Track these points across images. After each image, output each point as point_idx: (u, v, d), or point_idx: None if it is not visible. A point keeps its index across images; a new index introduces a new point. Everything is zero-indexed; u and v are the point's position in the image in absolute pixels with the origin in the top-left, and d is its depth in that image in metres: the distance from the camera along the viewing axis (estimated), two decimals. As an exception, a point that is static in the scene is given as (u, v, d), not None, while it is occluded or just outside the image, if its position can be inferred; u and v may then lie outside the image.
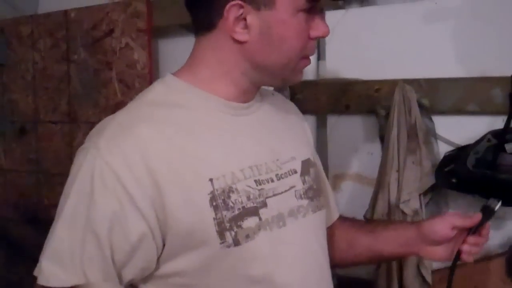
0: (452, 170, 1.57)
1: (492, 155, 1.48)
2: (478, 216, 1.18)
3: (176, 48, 2.18)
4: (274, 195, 1.08)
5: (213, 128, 1.06)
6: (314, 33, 1.07)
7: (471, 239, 1.19)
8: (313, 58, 1.85)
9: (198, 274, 1.01)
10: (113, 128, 1.01)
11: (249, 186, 1.04)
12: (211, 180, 1.00)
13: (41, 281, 0.97)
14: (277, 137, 1.16)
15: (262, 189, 1.06)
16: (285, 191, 1.11)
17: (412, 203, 1.65)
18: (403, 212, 1.64)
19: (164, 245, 0.99)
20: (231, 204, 1.00)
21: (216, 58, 1.08)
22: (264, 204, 1.05)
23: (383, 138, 1.74)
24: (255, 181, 1.06)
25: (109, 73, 2.27)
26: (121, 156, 0.96)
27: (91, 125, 2.31)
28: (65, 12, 2.38)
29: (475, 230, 1.19)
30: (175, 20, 2.09)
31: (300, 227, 1.12)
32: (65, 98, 2.44)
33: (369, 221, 1.46)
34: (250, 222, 1.02)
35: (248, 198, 1.03)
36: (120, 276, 0.99)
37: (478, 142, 1.55)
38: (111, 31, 2.25)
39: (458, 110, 1.67)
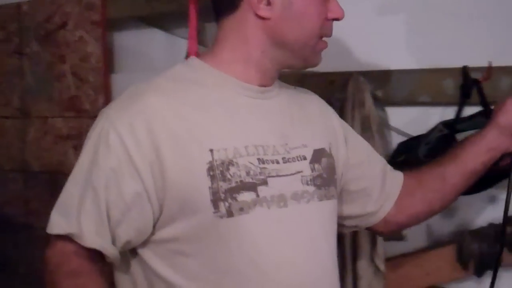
0: (404, 160, 1.59)
1: (443, 145, 1.50)
2: None
3: (132, 41, 2.17)
4: (278, 176, 1.11)
5: (223, 105, 1.12)
6: (331, 14, 1.15)
7: None
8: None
9: (192, 241, 1.05)
10: (127, 95, 1.11)
11: (251, 163, 1.08)
12: (211, 150, 1.04)
13: (48, 229, 1.05)
14: (291, 124, 1.20)
15: (264, 168, 1.09)
16: (291, 174, 1.13)
17: (366, 193, 1.66)
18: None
19: (161, 210, 1.05)
20: (228, 176, 1.04)
21: (239, 38, 1.14)
22: (264, 182, 1.08)
23: (337, 130, 1.76)
24: (258, 159, 1.09)
25: (62, 67, 2.25)
26: (127, 119, 1.04)
27: (44, 120, 2.30)
28: (18, 5, 2.35)
29: None
30: (130, 12, 2.08)
31: (302, 212, 1.14)
32: (17, 92, 2.40)
33: (442, 156, 1.39)
34: (246, 196, 1.05)
35: (248, 174, 1.06)
36: (115, 235, 1.04)
37: (429, 132, 1.57)
38: (65, 23, 2.22)
39: (410, 101, 1.70)
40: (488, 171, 1.39)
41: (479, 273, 1.62)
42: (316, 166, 1.19)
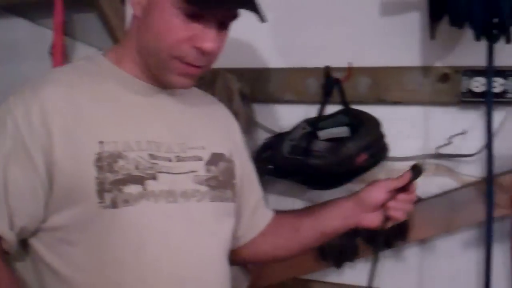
0: (269, 157, 1.63)
1: (305, 142, 1.55)
2: (407, 175, 1.26)
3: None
4: (168, 173, 1.11)
5: (118, 101, 1.13)
6: (195, 42, 1.08)
7: (401, 196, 1.27)
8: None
9: (77, 230, 1.05)
10: (26, 87, 1.10)
11: (141, 157, 1.08)
12: (101, 142, 1.05)
13: None
14: (191, 125, 1.21)
15: (155, 163, 1.10)
16: (183, 172, 1.14)
17: (232, 188, 1.69)
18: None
19: (51, 196, 1.05)
20: (116, 168, 1.05)
21: (129, 35, 1.17)
22: (153, 177, 1.08)
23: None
24: (150, 155, 1.10)
25: None
26: (24, 106, 1.05)
27: None
28: None
29: (403, 188, 1.26)
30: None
31: (191, 209, 1.14)
32: None
33: (307, 207, 1.52)
34: (132, 189, 1.05)
35: (137, 168, 1.07)
36: (11, 221, 1.04)
37: (293, 129, 1.62)
38: None
39: (276, 99, 1.74)
40: (346, 168, 1.46)
41: (338, 264, 1.70)
42: (212, 168, 1.20)
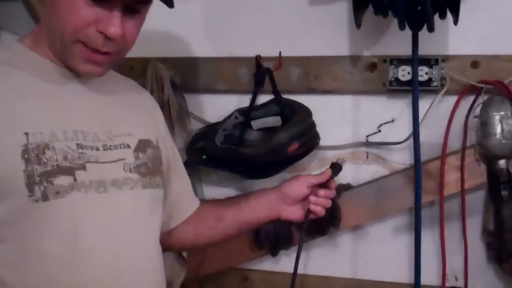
0: (202, 147, 1.62)
1: (238, 132, 1.55)
2: (328, 172, 1.31)
3: None
4: (97, 162, 1.08)
5: (41, 89, 1.08)
6: (99, 26, 1.04)
7: (321, 192, 1.30)
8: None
9: (8, 226, 1.00)
10: None
11: (69, 147, 1.05)
12: (26, 134, 1.01)
13: None
14: (116, 112, 1.19)
15: (83, 153, 1.06)
16: (112, 161, 1.12)
17: (166, 179, 1.67)
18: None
19: None
20: (44, 159, 1.01)
21: (40, 18, 1.15)
22: (83, 167, 1.05)
23: (138, 116, 1.75)
24: (77, 144, 1.06)
25: None
26: None
27: None
28: None
29: (324, 184, 1.31)
30: None
31: (124, 198, 1.12)
32: None
33: (231, 197, 1.52)
34: (62, 180, 1.02)
35: (65, 158, 1.03)
36: None
37: (226, 119, 1.61)
38: None
39: (208, 89, 1.73)
40: (278, 157, 1.47)
41: (273, 252, 1.71)
42: (141, 155, 1.19)
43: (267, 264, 1.78)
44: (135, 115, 1.24)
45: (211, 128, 1.65)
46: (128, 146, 1.17)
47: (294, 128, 1.48)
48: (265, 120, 1.62)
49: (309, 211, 1.32)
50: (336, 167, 1.32)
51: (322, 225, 1.62)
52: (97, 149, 1.10)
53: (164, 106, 1.68)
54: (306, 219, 1.32)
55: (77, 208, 1.04)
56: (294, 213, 1.35)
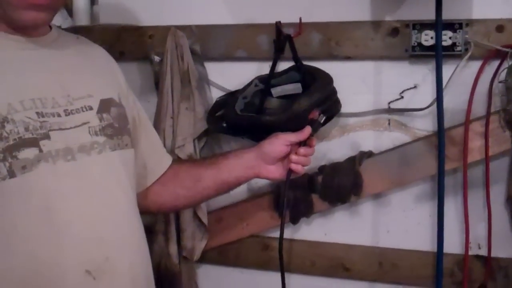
0: (223, 115, 1.61)
1: (259, 99, 1.53)
2: (308, 130, 1.32)
3: None
4: (60, 129, 1.05)
5: None
6: None
7: (301, 150, 1.31)
8: (86, 3, 1.80)
9: None
10: None
11: (29, 118, 1.01)
12: None
13: None
14: (73, 74, 1.15)
15: (45, 121, 1.03)
16: (76, 126, 1.08)
17: (186, 148, 1.68)
18: (178, 157, 1.66)
19: None
20: (5, 134, 0.97)
21: None
22: (47, 136, 1.02)
23: (158, 85, 1.74)
24: (37, 113, 1.02)
25: None
26: None
27: None
28: None
29: (304, 142, 1.32)
30: None
31: (93, 164, 1.10)
32: None
33: (209, 156, 1.53)
34: (27, 153, 0.99)
35: (27, 129, 0.99)
36: None
37: (246, 87, 1.60)
38: None
39: (228, 56, 1.71)
40: (299, 124, 1.46)
41: (294, 220, 1.71)
42: (105, 116, 1.16)
43: (287, 232, 1.78)
44: (93, 75, 1.21)
45: (231, 96, 1.64)
46: (90, 108, 1.14)
47: (314, 95, 1.46)
48: (285, 87, 1.60)
49: (290, 171, 1.32)
50: (315, 124, 1.32)
51: (343, 193, 1.61)
52: (59, 115, 1.07)
53: (184, 75, 1.67)
54: (288, 179, 1.32)
55: (47, 180, 1.01)
56: (274, 172, 1.36)
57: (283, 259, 1.35)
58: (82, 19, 1.82)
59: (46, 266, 1.00)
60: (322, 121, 1.33)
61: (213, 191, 1.39)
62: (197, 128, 1.70)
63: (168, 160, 1.41)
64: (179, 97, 1.68)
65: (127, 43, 1.77)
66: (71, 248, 1.02)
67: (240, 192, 1.77)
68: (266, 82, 1.56)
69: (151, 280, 1.23)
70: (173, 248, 1.75)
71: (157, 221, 1.76)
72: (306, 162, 1.33)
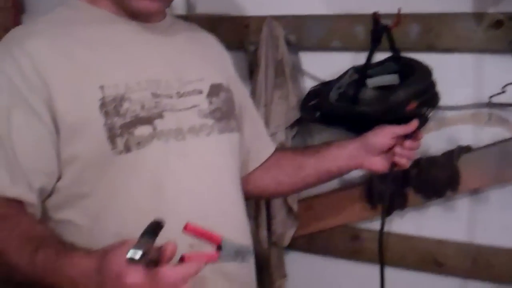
0: (316, 104, 1.61)
1: (354, 90, 1.52)
2: (414, 123, 1.29)
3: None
4: (173, 110, 1.10)
5: (110, 42, 1.10)
6: None
7: (407, 143, 1.30)
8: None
9: (91, 181, 1.03)
10: (8, 40, 1.06)
11: (144, 97, 1.07)
12: (101, 87, 1.03)
13: None
14: (185, 59, 1.20)
15: (159, 102, 1.08)
16: (186, 108, 1.13)
17: (279, 136, 1.69)
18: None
19: (61, 151, 1.02)
20: (122, 111, 1.03)
21: None
22: (160, 116, 1.07)
23: (252, 74, 1.75)
24: (152, 94, 1.08)
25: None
26: (13, 62, 1.00)
27: None
28: None
29: (410, 135, 1.30)
30: None
31: (202, 145, 1.14)
32: None
33: (312, 145, 1.54)
34: (142, 131, 1.04)
35: (142, 108, 1.05)
36: (29, 182, 1.00)
37: (341, 77, 1.58)
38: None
39: (322, 46, 1.70)
40: (395, 116, 1.43)
41: (387, 213, 1.69)
42: (214, 99, 1.19)
43: (379, 224, 1.76)
44: (204, 60, 1.25)
45: (325, 86, 1.62)
46: (201, 92, 1.18)
47: (413, 87, 1.43)
48: (382, 78, 1.57)
49: (394, 163, 1.30)
50: (422, 118, 1.29)
51: (439, 187, 1.58)
52: (171, 97, 1.12)
53: (278, 64, 1.68)
54: (391, 171, 1.30)
55: (158, 157, 1.06)
56: (377, 164, 1.34)
57: (383, 253, 1.34)
58: (179, 8, 1.85)
59: None
60: (429, 115, 1.30)
61: (315, 180, 1.40)
62: (290, 117, 1.70)
63: (271, 146, 1.43)
64: (273, 86, 1.69)
65: (223, 32, 1.77)
66: (177, 223, 1.04)
67: (331, 182, 1.76)
68: (362, 72, 1.54)
69: (251, 262, 1.26)
70: (263, 234, 1.78)
71: (248, 207, 1.78)
72: (410, 156, 1.31)
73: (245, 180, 1.36)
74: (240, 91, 1.37)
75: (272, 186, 1.42)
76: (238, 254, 0.97)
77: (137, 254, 0.78)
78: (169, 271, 0.81)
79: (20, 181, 0.99)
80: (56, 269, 0.85)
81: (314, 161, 1.37)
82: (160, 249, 0.84)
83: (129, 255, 0.78)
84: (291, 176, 1.40)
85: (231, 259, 0.96)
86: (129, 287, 0.79)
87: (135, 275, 0.79)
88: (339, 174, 1.42)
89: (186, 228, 0.93)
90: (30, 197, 1.01)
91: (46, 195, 1.05)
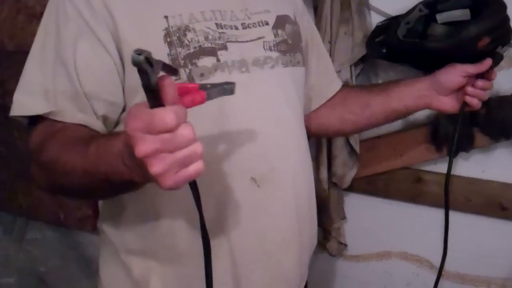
0: (383, 40, 1.56)
1: (422, 25, 1.47)
2: (488, 62, 1.25)
3: None
4: (237, 41, 1.08)
5: None
6: None
7: (479, 83, 1.26)
8: None
9: None
10: None
11: (209, 28, 1.05)
12: (166, 17, 1.01)
13: (13, 112, 1.01)
14: None
15: (223, 33, 1.07)
16: (251, 40, 1.11)
17: (343, 74, 1.65)
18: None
19: (125, 80, 1.02)
20: (186, 42, 1.02)
21: None
22: (224, 47, 1.06)
23: (316, 9, 1.71)
24: (216, 24, 1.07)
25: None
26: None
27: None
28: None
29: (482, 75, 1.25)
30: None
31: (265, 78, 1.12)
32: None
33: (379, 83, 1.49)
34: (206, 62, 1.03)
35: (206, 39, 1.04)
36: (93, 109, 1.01)
37: (409, 12, 1.53)
38: None
39: (391, -20, 1.64)
40: (466, 52, 1.38)
41: (452, 154, 1.64)
42: (280, 32, 1.16)
43: (443, 166, 1.72)
44: None
45: (393, 21, 1.57)
46: (267, 23, 1.15)
47: (485, 22, 1.36)
48: (452, 13, 1.50)
49: (464, 103, 1.26)
50: (497, 56, 1.23)
51: (509, 128, 1.52)
52: (236, 28, 1.09)
53: (345, -2, 1.63)
54: (461, 112, 1.26)
55: None
56: (447, 103, 1.30)
57: (448, 196, 1.30)
58: None
59: (215, 169, 1.05)
60: (504, 53, 1.23)
61: (381, 119, 1.37)
62: (355, 53, 1.66)
63: (338, 83, 1.41)
64: (338, 21, 1.65)
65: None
66: (239, 156, 1.05)
67: (394, 122, 1.73)
68: (432, 7, 1.48)
69: (312, 196, 1.26)
70: (323, 174, 1.77)
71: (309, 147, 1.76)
72: (483, 96, 1.27)
73: (308, 117, 1.35)
74: (308, 25, 1.34)
75: (337, 124, 1.40)
76: (224, 87, 0.86)
77: (140, 52, 0.67)
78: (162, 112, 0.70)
79: (86, 108, 1.01)
80: (106, 151, 0.82)
81: (381, 100, 1.34)
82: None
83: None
84: (357, 115, 1.37)
85: (219, 94, 0.85)
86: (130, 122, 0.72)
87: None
88: (407, 113, 1.38)
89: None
90: (95, 123, 1.02)
91: (112, 124, 1.06)
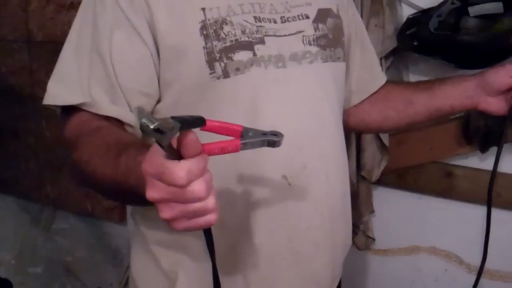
0: (414, 33, 1.55)
1: (454, 18, 1.45)
2: None
3: None
4: (275, 35, 1.06)
5: None
6: None
7: None
8: None
9: (189, 106, 1.01)
10: None
11: (246, 21, 1.03)
12: (203, 9, 1.00)
13: (46, 101, 1.00)
14: None
15: (261, 26, 1.04)
16: (290, 34, 1.08)
17: (373, 67, 1.64)
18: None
19: (160, 72, 1.01)
20: (223, 35, 1.00)
21: None
22: (261, 41, 1.03)
23: (347, 1, 1.71)
24: (255, 17, 1.04)
25: None
26: None
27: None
28: None
29: None
30: None
31: (303, 73, 1.09)
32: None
33: (424, 81, 1.43)
34: (242, 56, 1.01)
35: (243, 32, 1.01)
36: (128, 101, 1.01)
37: (441, 4, 1.52)
38: None
39: (423, -28, 1.62)
40: (499, 46, 1.36)
41: (483, 149, 1.63)
42: (321, 25, 1.13)
43: (473, 161, 1.70)
44: None
45: (425, 14, 1.56)
46: (307, 17, 1.11)
47: (519, 15, 1.35)
48: (485, 6, 1.49)
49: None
50: None
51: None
52: (275, 21, 1.06)
53: (376, -10, 1.62)
54: (510, 115, 1.18)
55: (257, 84, 1.02)
56: (495, 105, 1.21)
57: (491, 193, 1.26)
58: None
59: (246, 165, 1.04)
60: None
61: (424, 117, 1.31)
62: (386, 46, 1.65)
63: (382, 78, 1.36)
64: (369, 13, 1.64)
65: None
66: (271, 152, 1.04)
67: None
68: (464, 0, 1.47)
69: (347, 196, 1.22)
70: (352, 167, 1.75)
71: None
72: None
73: (348, 112, 1.32)
74: (353, 18, 1.29)
75: (378, 121, 1.36)
76: (266, 139, 0.81)
77: (150, 123, 0.61)
78: (173, 166, 0.66)
79: (119, 100, 1.00)
80: (136, 165, 0.78)
81: (426, 98, 1.28)
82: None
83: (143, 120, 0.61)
84: (399, 112, 1.32)
85: (258, 145, 0.80)
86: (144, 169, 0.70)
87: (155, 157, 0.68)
88: (452, 113, 1.32)
89: (205, 125, 0.76)
90: (127, 115, 1.01)
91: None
